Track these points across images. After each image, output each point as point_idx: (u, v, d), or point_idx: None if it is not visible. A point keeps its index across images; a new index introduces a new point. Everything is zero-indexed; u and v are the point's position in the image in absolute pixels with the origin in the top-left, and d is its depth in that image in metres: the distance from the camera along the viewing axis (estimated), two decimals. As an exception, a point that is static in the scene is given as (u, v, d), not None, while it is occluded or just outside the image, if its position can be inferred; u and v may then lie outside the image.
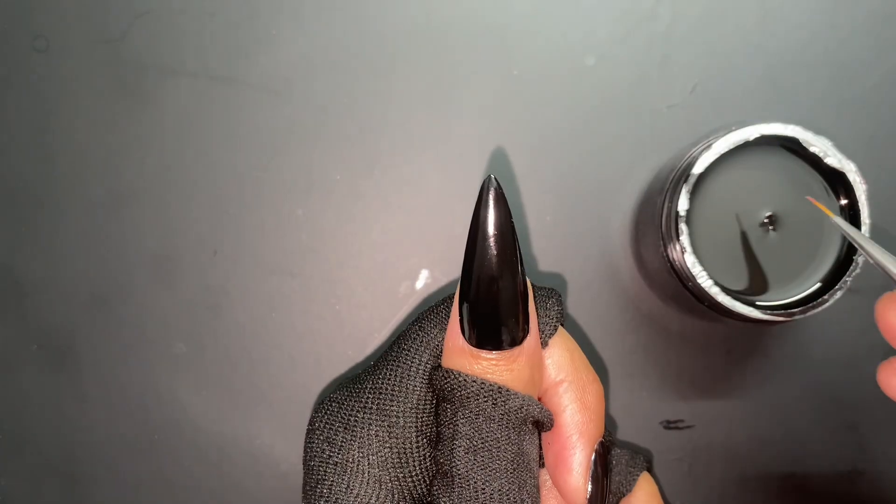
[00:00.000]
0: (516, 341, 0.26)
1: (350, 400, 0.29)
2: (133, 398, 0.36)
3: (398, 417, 0.27)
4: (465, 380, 0.26)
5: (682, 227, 0.29)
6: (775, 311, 0.29)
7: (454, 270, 0.35)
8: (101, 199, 0.36)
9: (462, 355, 0.26)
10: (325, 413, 0.29)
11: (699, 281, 0.29)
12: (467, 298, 0.26)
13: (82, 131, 0.36)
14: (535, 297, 0.28)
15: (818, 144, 0.29)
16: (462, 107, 0.35)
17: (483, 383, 0.25)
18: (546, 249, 0.35)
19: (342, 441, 0.28)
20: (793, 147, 0.30)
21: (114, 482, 0.36)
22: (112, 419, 0.36)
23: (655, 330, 0.35)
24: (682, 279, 0.31)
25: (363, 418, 0.28)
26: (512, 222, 0.26)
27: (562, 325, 0.29)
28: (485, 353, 0.26)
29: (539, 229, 0.35)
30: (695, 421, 0.35)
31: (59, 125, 0.36)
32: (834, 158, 0.29)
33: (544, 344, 0.28)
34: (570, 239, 0.35)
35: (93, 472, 0.36)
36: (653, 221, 0.32)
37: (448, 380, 0.26)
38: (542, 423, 0.27)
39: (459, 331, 0.26)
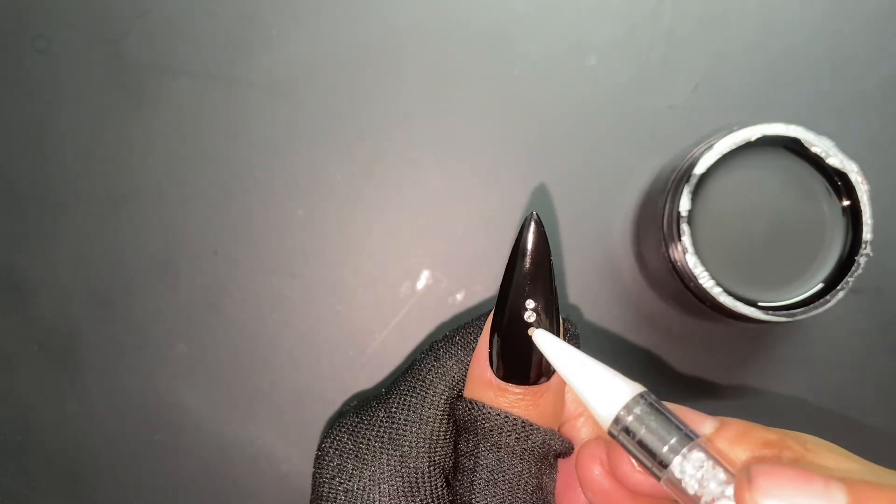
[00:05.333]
0: (545, 378, 0.26)
1: (361, 427, 0.28)
2: (134, 398, 0.36)
3: (411, 447, 0.27)
4: (489, 412, 0.25)
5: (684, 227, 0.29)
6: (777, 312, 0.29)
7: (454, 271, 0.35)
8: (101, 199, 0.36)
9: (488, 387, 0.26)
10: (336, 439, 0.29)
11: (701, 281, 0.29)
12: (499, 332, 0.25)
13: (82, 131, 0.36)
14: None
15: (820, 145, 0.29)
16: (462, 107, 0.35)
17: (507, 417, 0.25)
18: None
19: (353, 469, 0.28)
20: (795, 147, 0.30)
21: (114, 482, 0.36)
22: (112, 419, 0.36)
23: (656, 331, 0.35)
24: (684, 280, 0.31)
25: (375, 447, 0.28)
26: (551, 260, 0.25)
27: None
28: (512, 387, 0.25)
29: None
30: (696, 422, 0.35)
31: (59, 125, 0.36)
32: (836, 159, 0.29)
33: None
34: (571, 239, 0.35)
35: (93, 472, 0.36)
36: (654, 222, 0.32)
37: (472, 411, 0.26)
38: (561, 454, 0.27)
39: (487, 363, 0.26)
